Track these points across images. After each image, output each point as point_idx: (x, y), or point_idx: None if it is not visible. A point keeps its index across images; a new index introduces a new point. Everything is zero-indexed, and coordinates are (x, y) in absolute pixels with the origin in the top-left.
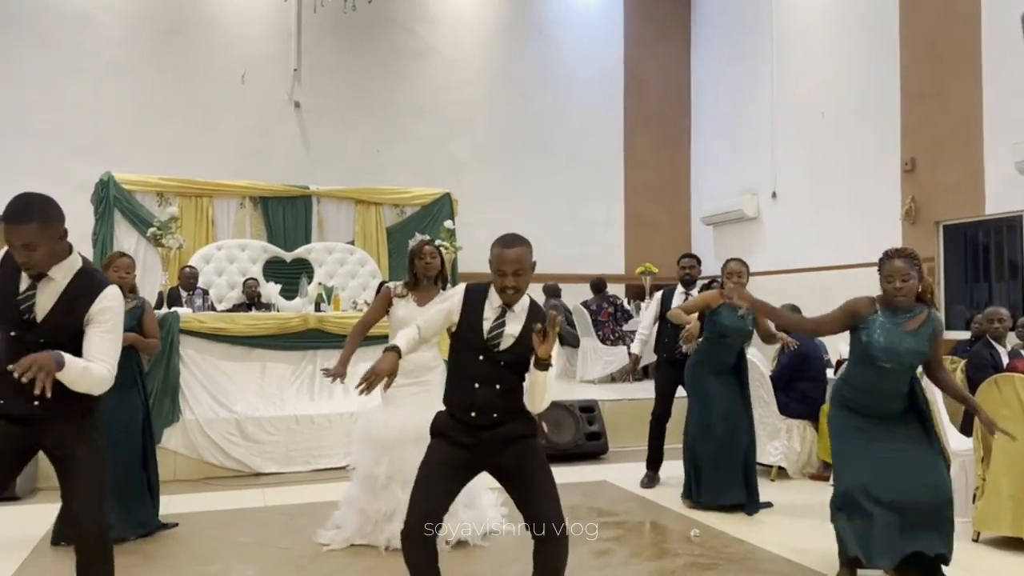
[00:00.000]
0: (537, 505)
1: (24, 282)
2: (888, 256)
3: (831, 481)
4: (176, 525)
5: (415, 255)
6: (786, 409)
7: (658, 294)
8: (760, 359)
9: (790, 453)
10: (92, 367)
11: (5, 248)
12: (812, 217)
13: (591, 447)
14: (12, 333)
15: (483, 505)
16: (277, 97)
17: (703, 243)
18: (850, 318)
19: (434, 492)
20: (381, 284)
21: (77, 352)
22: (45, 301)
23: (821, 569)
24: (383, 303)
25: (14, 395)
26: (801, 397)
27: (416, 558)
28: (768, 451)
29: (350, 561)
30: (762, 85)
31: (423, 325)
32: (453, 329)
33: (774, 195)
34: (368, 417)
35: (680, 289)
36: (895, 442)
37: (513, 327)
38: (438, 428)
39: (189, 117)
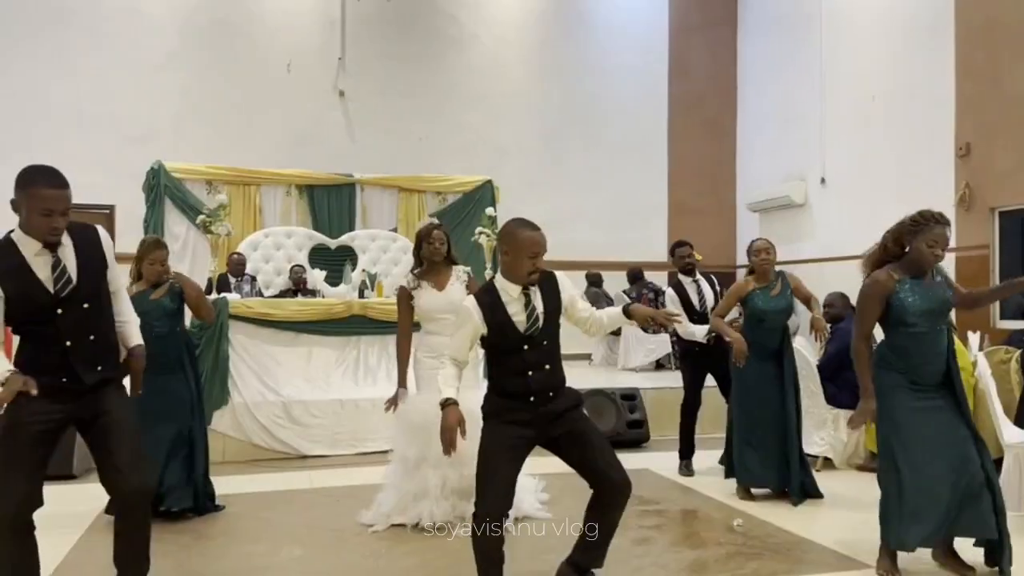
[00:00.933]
0: (601, 460)
1: (44, 265)
2: (936, 220)
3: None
4: (223, 507)
5: (423, 239)
6: (834, 399)
7: (669, 289)
8: (808, 348)
9: (836, 443)
10: (134, 322)
11: None
12: (862, 203)
13: (632, 435)
14: (59, 311)
15: (520, 491)
16: (322, 86)
17: (749, 230)
18: (883, 299)
19: (504, 480)
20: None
21: (103, 295)
22: (71, 265)
23: (868, 561)
24: (405, 304)
25: (82, 366)
26: (849, 387)
27: (488, 546)
28: (814, 441)
29: (392, 542)
30: (811, 68)
31: (455, 355)
32: (484, 337)
33: (823, 181)
34: (404, 401)
35: (687, 279)
36: (937, 418)
37: (539, 305)
38: (492, 409)
39: (237, 107)
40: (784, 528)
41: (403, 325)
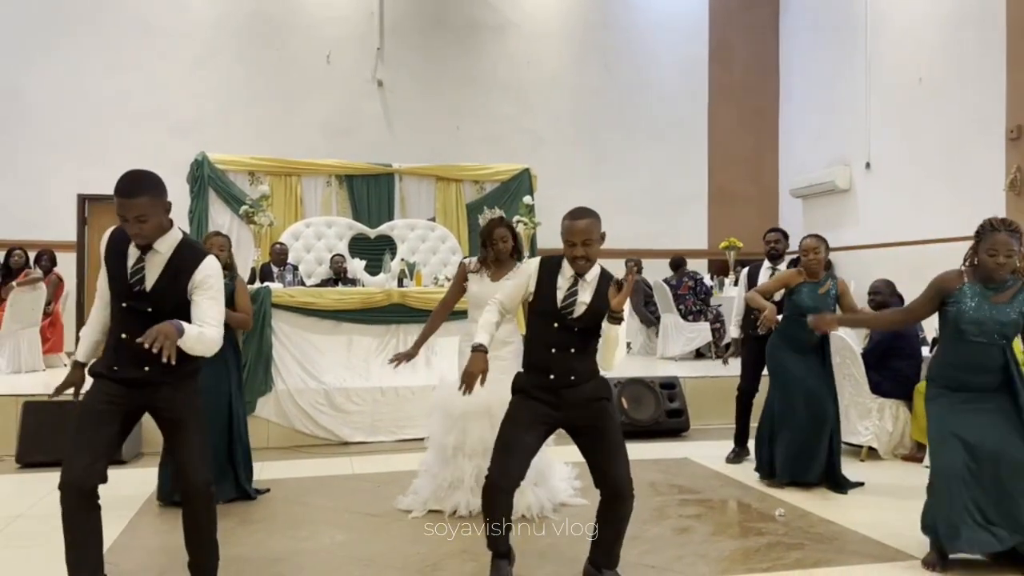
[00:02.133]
0: (609, 463)
1: (132, 257)
2: (992, 227)
3: (925, 463)
4: (268, 491)
5: (487, 240)
6: (878, 388)
7: (744, 271)
8: (852, 336)
9: (881, 433)
10: (205, 331)
11: (110, 231)
12: (908, 188)
13: (672, 424)
14: (124, 304)
15: (554, 479)
16: (361, 76)
17: (792, 217)
18: (939, 296)
19: (519, 445)
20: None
21: (174, 313)
22: (152, 272)
23: (913, 552)
24: (459, 281)
25: (128, 362)
26: (894, 376)
27: (496, 510)
28: (858, 431)
29: (432, 528)
30: (856, 49)
31: (504, 299)
32: (530, 300)
33: (868, 166)
34: (444, 389)
35: (766, 264)
36: (988, 421)
37: (585, 295)
38: (520, 385)
39: (278, 98)
40: (827, 518)
41: (446, 298)
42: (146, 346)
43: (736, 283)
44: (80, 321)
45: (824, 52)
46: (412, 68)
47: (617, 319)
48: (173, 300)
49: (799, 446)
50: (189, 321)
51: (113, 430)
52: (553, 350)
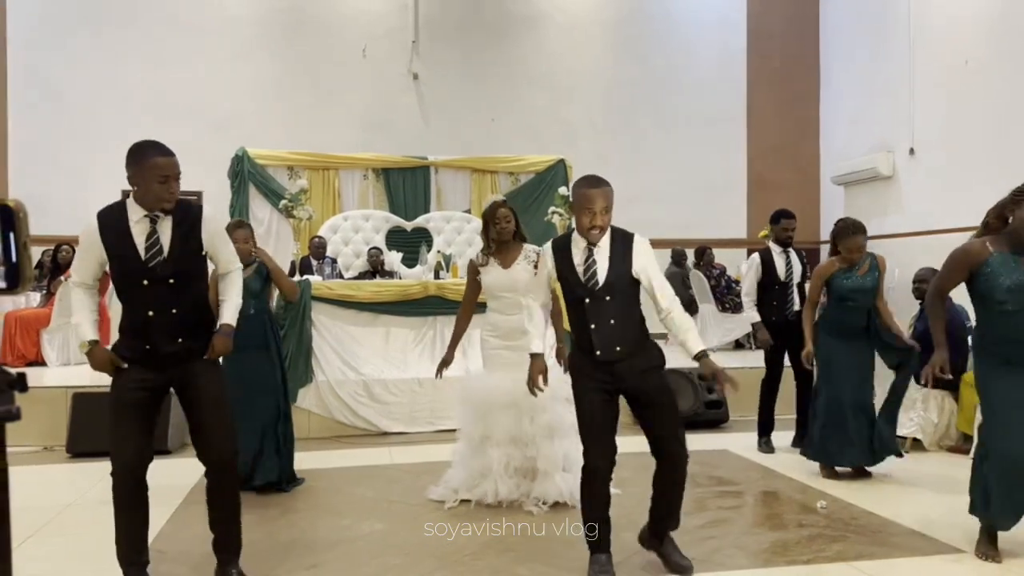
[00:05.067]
0: (664, 428)
1: (140, 233)
2: None
3: (971, 455)
4: (303, 480)
5: (490, 219)
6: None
7: (755, 256)
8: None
9: (926, 425)
10: (230, 293)
11: (93, 218)
12: (953, 174)
13: (711, 415)
14: (145, 282)
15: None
16: (396, 70)
17: (833, 204)
18: (966, 268)
19: (600, 429)
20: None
21: (194, 273)
22: (165, 240)
23: (958, 545)
24: (472, 279)
25: (161, 339)
26: None
27: (595, 498)
28: (902, 422)
29: (469, 518)
30: (899, 32)
31: (539, 298)
32: (555, 284)
33: (911, 151)
34: (469, 381)
35: (778, 249)
36: None
37: (603, 262)
38: (576, 366)
39: (314, 92)
40: (869, 510)
41: (466, 297)
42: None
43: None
44: None
45: (865, 35)
46: (447, 61)
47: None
48: (189, 261)
49: (845, 433)
50: (203, 283)
51: (150, 412)
52: (593, 325)
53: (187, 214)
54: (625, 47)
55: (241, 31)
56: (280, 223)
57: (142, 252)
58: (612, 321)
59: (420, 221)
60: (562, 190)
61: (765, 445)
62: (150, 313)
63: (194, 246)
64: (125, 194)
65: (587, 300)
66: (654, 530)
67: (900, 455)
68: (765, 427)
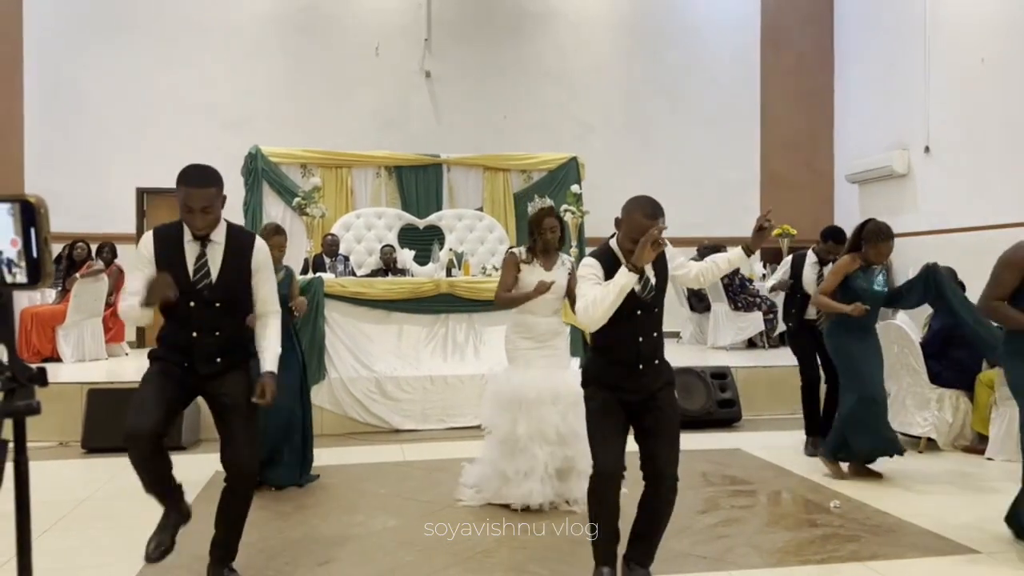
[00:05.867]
0: (659, 449)
1: (192, 253)
2: None
3: (987, 455)
4: (318, 477)
5: (537, 228)
6: (938, 378)
7: (789, 258)
8: (910, 325)
9: (941, 424)
10: (272, 339)
11: (151, 232)
12: (970, 173)
13: (723, 414)
14: (191, 304)
15: None
16: (409, 68)
17: (848, 203)
18: (1021, 268)
19: (613, 437)
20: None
21: (240, 299)
22: (215, 262)
23: (973, 546)
24: (513, 269)
25: (200, 359)
26: (955, 365)
27: (606, 505)
28: (917, 422)
29: (482, 516)
30: (914, 29)
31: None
32: None
33: (927, 149)
34: (499, 379)
35: (812, 259)
36: None
37: (651, 275)
38: (595, 376)
39: (327, 91)
40: (883, 510)
41: (507, 283)
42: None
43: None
44: None
45: (881, 32)
46: (459, 58)
47: (750, 253)
48: (236, 287)
49: (870, 428)
50: (248, 305)
51: (175, 394)
52: (641, 338)
53: (239, 242)
54: (638, 44)
55: (255, 30)
56: (293, 221)
57: (191, 273)
58: (655, 333)
59: (432, 219)
60: (574, 188)
61: (812, 447)
62: (194, 335)
63: (243, 274)
64: (140, 192)
65: (639, 312)
66: (629, 556)
67: (902, 452)
68: (812, 429)
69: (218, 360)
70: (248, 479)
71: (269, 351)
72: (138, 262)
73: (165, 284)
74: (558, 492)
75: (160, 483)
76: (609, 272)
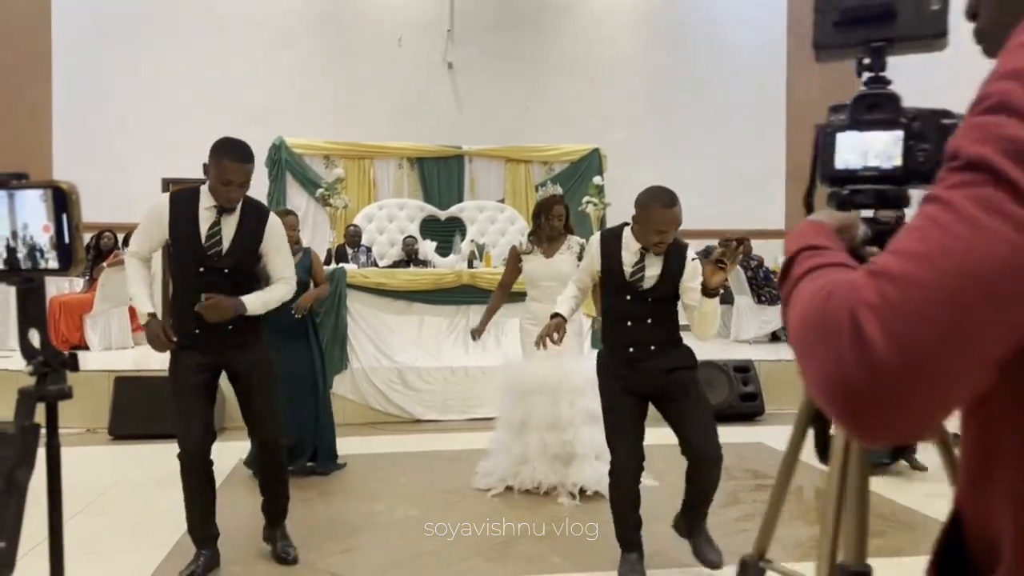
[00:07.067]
0: (694, 428)
1: (206, 220)
2: None
3: None
4: (345, 465)
5: (544, 212)
6: None
7: None
8: None
9: None
10: (273, 290)
11: (167, 195)
12: None
13: (746, 408)
14: (200, 269)
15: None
16: (432, 59)
17: None
18: None
19: (630, 433)
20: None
21: (249, 268)
22: (227, 233)
23: None
24: (513, 264)
25: (212, 324)
26: None
27: (623, 499)
28: None
29: (503, 504)
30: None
31: (578, 284)
32: (597, 278)
33: None
34: (509, 368)
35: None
36: None
37: (654, 268)
38: (604, 366)
39: (351, 82)
40: (908, 506)
41: (504, 281)
42: (196, 309)
43: None
44: (165, 298)
45: None
46: (482, 50)
47: (713, 294)
48: (247, 258)
49: None
50: (259, 277)
51: (210, 393)
52: (629, 323)
53: (254, 215)
54: (661, 34)
55: (278, 22)
56: (316, 212)
57: (203, 239)
58: (650, 321)
59: (454, 210)
60: (596, 179)
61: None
62: (203, 298)
63: (253, 246)
64: (165, 183)
65: (628, 297)
66: (685, 521)
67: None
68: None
69: (229, 327)
70: (276, 448)
71: (264, 292)
72: (147, 221)
73: (158, 338)
74: (559, 477)
75: (205, 521)
76: (611, 255)
